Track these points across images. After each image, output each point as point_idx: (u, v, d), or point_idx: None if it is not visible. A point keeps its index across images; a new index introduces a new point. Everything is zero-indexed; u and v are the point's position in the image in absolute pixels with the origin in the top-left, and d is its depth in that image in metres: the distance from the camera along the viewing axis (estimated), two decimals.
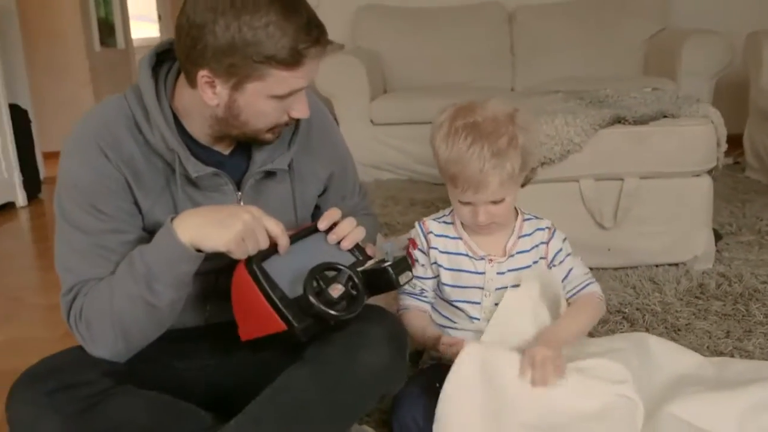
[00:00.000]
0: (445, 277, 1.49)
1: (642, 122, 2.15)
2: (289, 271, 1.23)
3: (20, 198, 4.06)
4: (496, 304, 1.44)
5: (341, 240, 1.32)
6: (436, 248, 1.50)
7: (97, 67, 6.12)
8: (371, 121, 3.70)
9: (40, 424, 1.14)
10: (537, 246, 1.49)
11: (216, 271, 1.33)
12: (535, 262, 1.48)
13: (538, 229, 1.50)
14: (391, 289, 1.29)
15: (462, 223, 1.50)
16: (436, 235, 1.51)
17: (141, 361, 1.28)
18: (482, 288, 1.47)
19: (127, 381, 1.23)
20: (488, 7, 4.12)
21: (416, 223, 1.54)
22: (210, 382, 1.38)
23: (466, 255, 1.48)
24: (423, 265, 1.51)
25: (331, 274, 1.22)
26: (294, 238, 1.29)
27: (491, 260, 1.47)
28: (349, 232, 1.32)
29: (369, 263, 1.28)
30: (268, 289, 1.20)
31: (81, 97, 5.95)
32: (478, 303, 1.47)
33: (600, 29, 3.95)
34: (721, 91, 3.54)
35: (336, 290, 1.20)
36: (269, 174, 1.35)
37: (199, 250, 1.18)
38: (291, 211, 1.40)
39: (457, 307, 1.50)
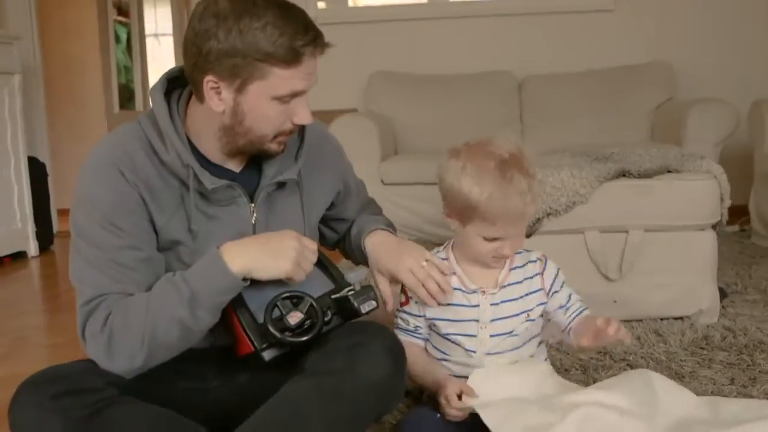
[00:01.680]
0: (438, 312, 1.51)
1: (646, 176, 2.19)
2: (264, 296, 1.31)
3: (32, 248, 4.11)
4: (491, 336, 1.46)
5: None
6: None
7: (115, 127, 6.23)
8: (381, 181, 3.76)
9: (43, 427, 1.15)
10: (530, 278, 1.52)
11: None
12: (529, 294, 1.50)
13: (530, 262, 1.53)
14: (356, 316, 1.35)
15: (456, 258, 1.53)
16: None
17: (144, 377, 1.30)
18: (477, 321, 1.48)
19: (131, 394, 1.25)
20: (499, 76, 4.23)
21: None
22: (211, 401, 1.40)
23: (460, 289, 1.50)
24: (417, 302, 1.53)
25: (295, 301, 1.30)
26: None
27: (484, 292, 1.49)
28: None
29: (342, 292, 1.34)
30: (238, 312, 1.31)
31: None
32: (474, 335, 1.49)
33: (607, 99, 4.04)
34: (726, 160, 3.57)
35: (294, 317, 1.28)
36: (279, 186, 1.41)
37: (244, 279, 1.26)
38: (300, 221, 1.46)
39: (452, 341, 1.51)
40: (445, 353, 1.53)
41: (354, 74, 4.29)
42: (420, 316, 1.54)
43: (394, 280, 1.51)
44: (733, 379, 1.78)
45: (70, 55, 6.03)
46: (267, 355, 1.30)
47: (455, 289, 1.50)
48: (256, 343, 1.29)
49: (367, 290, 1.34)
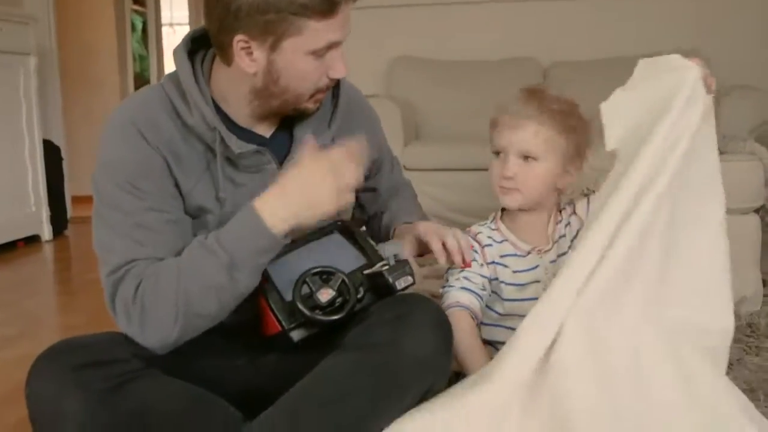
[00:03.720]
0: (504, 274, 1.46)
1: None
2: (292, 273, 1.21)
3: (46, 232, 4.04)
4: None
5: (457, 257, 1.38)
6: (489, 245, 1.49)
7: None
8: (404, 167, 3.67)
9: (63, 400, 1.06)
10: (569, 224, 1.48)
11: None
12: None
13: (563, 210, 1.51)
14: (391, 293, 1.24)
15: (507, 226, 1.48)
16: (486, 236, 1.50)
17: (170, 353, 1.21)
18: (540, 281, 1.43)
19: (157, 367, 1.17)
20: (523, 63, 4.13)
21: (463, 233, 1.49)
22: (240, 381, 1.31)
23: (514, 255, 1.46)
24: (481, 265, 1.47)
25: (325, 277, 1.20)
26: (308, 238, 1.29)
27: (539, 251, 1.45)
28: (459, 247, 1.38)
29: (376, 267, 1.24)
30: (266, 289, 1.21)
31: None
32: (536, 299, 1.39)
33: None
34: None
35: (325, 294, 1.18)
36: None
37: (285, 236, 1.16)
38: None
39: (512, 309, 1.45)
40: (502, 316, 1.48)
41: (376, 59, 4.20)
42: (485, 277, 1.47)
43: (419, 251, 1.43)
44: None
45: (85, 41, 5.96)
46: (296, 335, 1.21)
47: (509, 255, 1.46)
48: (284, 323, 1.20)
49: (403, 264, 1.24)
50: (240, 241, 1.14)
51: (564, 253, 1.45)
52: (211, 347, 1.30)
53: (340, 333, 1.21)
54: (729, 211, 2.06)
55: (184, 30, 8.12)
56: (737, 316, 2.01)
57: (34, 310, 2.63)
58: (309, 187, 1.15)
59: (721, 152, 2.08)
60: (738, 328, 1.93)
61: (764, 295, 2.19)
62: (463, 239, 1.40)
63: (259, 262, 1.17)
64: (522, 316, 1.34)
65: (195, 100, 1.22)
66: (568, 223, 1.49)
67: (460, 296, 1.44)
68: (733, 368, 1.70)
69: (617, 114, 1.23)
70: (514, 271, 1.46)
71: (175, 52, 1.27)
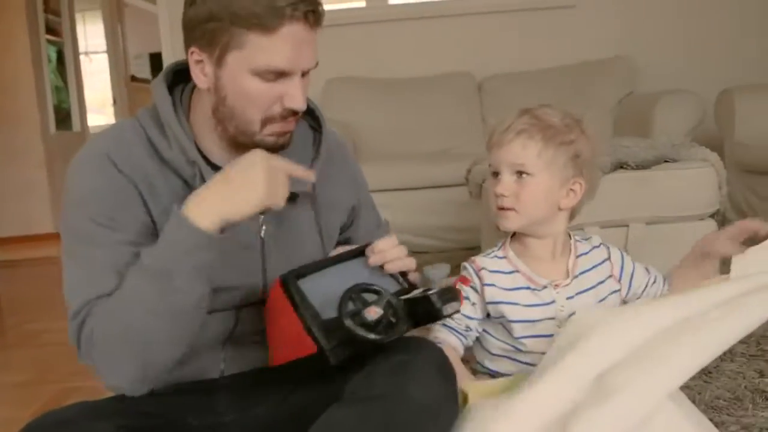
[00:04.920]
0: (512, 313, 1.38)
1: (644, 167, 2.12)
2: (324, 292, 1.13)
3: None
4: None
5: (385, 264, 1.22)
6: (493, 285, 1.39)
7: (52, 149, 5.96)
8: None
9: None
10: (599, 265, 1.41)
11: (236, 308, 1.22)
12: (601, 283, 1.39)
13: (594, 248, 1.44)
14: (435, 320, 1.17)
15: (517, 254, 1.42)
16: (491, 271, 1.41)
17: (152, 417, 1.14)
18: (554, 318, 1.36)
19: None
20: (458, 77, 4.14)
21: (464, 264, 1.44)
22: None
23: (527, 288, 1.38)
24: (474, 304, 1.41)
25: (369, 296, 1.12)
26: (335, 260, 1.21)
27: (556, 285, 1.37)
28: (396, 257, 1.21)
29: (414, 292, 1.17)
30: (300, 307, 1.11)
31: (35, 179, 5.79)
32: (552, 336, 1.34)
33: (568, 95, 3.99)
34: None
35: (372, 313, 1.09)
36: (291, 198, 1.24)
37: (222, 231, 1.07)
38: (317, 239, 1.31)
39: (522, 345, 1.38)
40: (510, 348, 1.41)
41: (311, 80, 4.13)
42: (473, 319, 1.41)
43: None
44: (762, 372, 1.71)
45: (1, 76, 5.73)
46: (334, 357, 1.09)
47: (521, 288, 1.38)
48: (321, 341, 1.08)
49: (451, 290, 1.15)
50: (169, 246, 1.06)
51: (586, 290, 1.39)
52: (193, 404, 1.23)
53: (336, 381, 1.15)
54: (688, 218, 2.13)
55: (101, 58, 7.90)
56: None
57: None
58: (236, 176, 1.08)
59: (674, 160, 2.14)
60: None
61: None
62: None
63: (196, 263, 1.06)
64: (532, 353, 1.30)
65: (175, 132, 1.17)
66: (599, 264, 1.42)
67: (439, 333, 1.41)
68: (711, 377, 1.71)
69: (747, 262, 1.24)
70: (526, 305, 1.37)
71: (154, 85, 1.21)
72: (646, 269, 1.48)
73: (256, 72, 1.12)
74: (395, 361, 1.10)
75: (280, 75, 1.14)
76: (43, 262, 4.68)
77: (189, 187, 1.17)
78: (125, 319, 1.06)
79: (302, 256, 1.27)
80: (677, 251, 2.13)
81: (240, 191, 1.07)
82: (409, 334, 1.17)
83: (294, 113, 1.19)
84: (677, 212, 2.13)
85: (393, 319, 1.11)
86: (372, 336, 1.07)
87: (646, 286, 1.47)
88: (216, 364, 1.25)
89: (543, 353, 1.32)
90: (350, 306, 1.09)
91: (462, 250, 3.19)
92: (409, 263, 1.24)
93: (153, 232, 1.16)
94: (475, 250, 2.94)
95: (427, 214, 3.53)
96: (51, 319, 2.99)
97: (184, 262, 1.05)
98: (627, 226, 2.13)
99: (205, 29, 1.12)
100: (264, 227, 1.24)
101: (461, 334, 1.41)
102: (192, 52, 1.15)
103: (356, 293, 1.11)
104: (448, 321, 1.40)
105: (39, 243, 5.47)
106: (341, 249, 1.28)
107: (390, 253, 1.21)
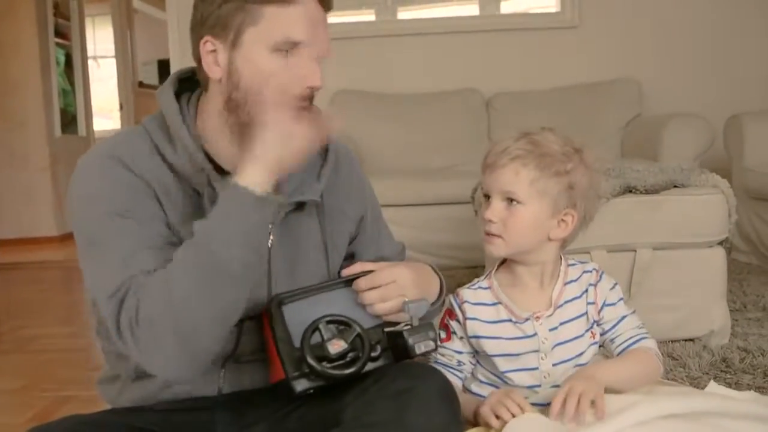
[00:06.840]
0: (492, 348, 1.34)
1: (653, 191, 2.09)
2: (306, 319, 1.11)
3: None
4: (555, 365, 1.31)
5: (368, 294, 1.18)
6: (475, 319, 1.36)
7: (57, 153, 5.96)
8: None
9: None
10: (586, 291, 1.36)
11: (240, 320, 1.19)
12: (585, 314, 1.35)
13: (585, 272, 1.38)
14: (407, 357, 1.14)
15: (500, 285, 1.38)
16: (473, 304, 1.37)
17: None
18: (537, 351, 1.32)
19: None
20: (466, 94, 4.13)
21: (450, 296, 1.40)
22: None
23: (509, 320, 1.34)
24: (461, 338, 1.37)
25: (341, 328, 1.11)
26: (326, 286, 1.19)
27: (538, 317, 1.33)
28: (378, 300, 1.17)
29: (398, 326, 1.15)
30: (276, 332, 1.11)
31: (39, 182, 5.79)
32: (536, 368, 1.32)
33: (576, 116, 3.97)
34: None
35: (337, 346, 1.09)
36: (298, 207, 1.24)
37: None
38: (321, 250, 1.28)
39: (508, 379, 1.34)
40: (498, 380, 1.37)
41: (316, 93, 4.12)
42: (463, 353, 1.38)
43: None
44: None
45: (7, 76, 5.72)
46: (298, 385, 1.09)
47: (504, 321, 1.34)
48: (287, 370, 1.09)
49: (426, 327, 1.13)
50: (225, 216, 1.04)
51: (571, 319, 1.34)
52: (194, 424, 1.20)
53: (335, 406, 1.12)
54: (696, 245, 2.10)
55: (109, 63, 7.91)
56: (709, 351, 2.02)
57: None
58: (274, 132, 1.06)
59: (684, 185, 2.11)
60: (712, 364, 1.94)
61: (732, 326, 2.20)
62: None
63: (246, 227, 1.04)
64: (517, 386, 1.28)
65: (182, 138, 1.14)
66: (585, 291, 1.36)
67: None
68: None
69: None
70: (509, 339, 1.33)
71: (161, 92, 1.20)
72: (622, 318, 1.38)
73: (274, 47, 1.11)
74: (397, 387, 1.08)
75: (296, 50, 1.12)
76: (42, 266, 4.65)
77: (198, 194, 1.15)
78: (172, 291, 1.01)
79: (306, 267, 1.25)
80: (684, 278, 2.12)
81: (288, 148, 1.06)
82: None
83: (310, 98, 1.17)
84: (686, 239, 2.10)
85: (359, 354, 1.10)
86: (331, 371, 1.07)
87: (612, 328, 1.38)
88: (214, 381, 1.21)
89: (529, 387, 1.32)
90: (315, 337, 1.09)
91: (465, 269, 3.16)
92: (390, 307, 1.17)
93: (166, 224, 1.13)
94: (478, 269, 2.92)
95: (432, 231, 3.50)
96: (47, 325, 2.98)
97: (240, 226, 1.03)
98: (634, 251, 2.09)
99: (219, 14, 1.11)
100: (271, 235, 1.21)
101: (455, 369, 1.38)
102: (205, 42, 1.13)
103: (324, 324, 1.10)
104: (439, 358, 1.38)
105: (40, 246, 5.45)
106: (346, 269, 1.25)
107: (369, 295, 1.17)
